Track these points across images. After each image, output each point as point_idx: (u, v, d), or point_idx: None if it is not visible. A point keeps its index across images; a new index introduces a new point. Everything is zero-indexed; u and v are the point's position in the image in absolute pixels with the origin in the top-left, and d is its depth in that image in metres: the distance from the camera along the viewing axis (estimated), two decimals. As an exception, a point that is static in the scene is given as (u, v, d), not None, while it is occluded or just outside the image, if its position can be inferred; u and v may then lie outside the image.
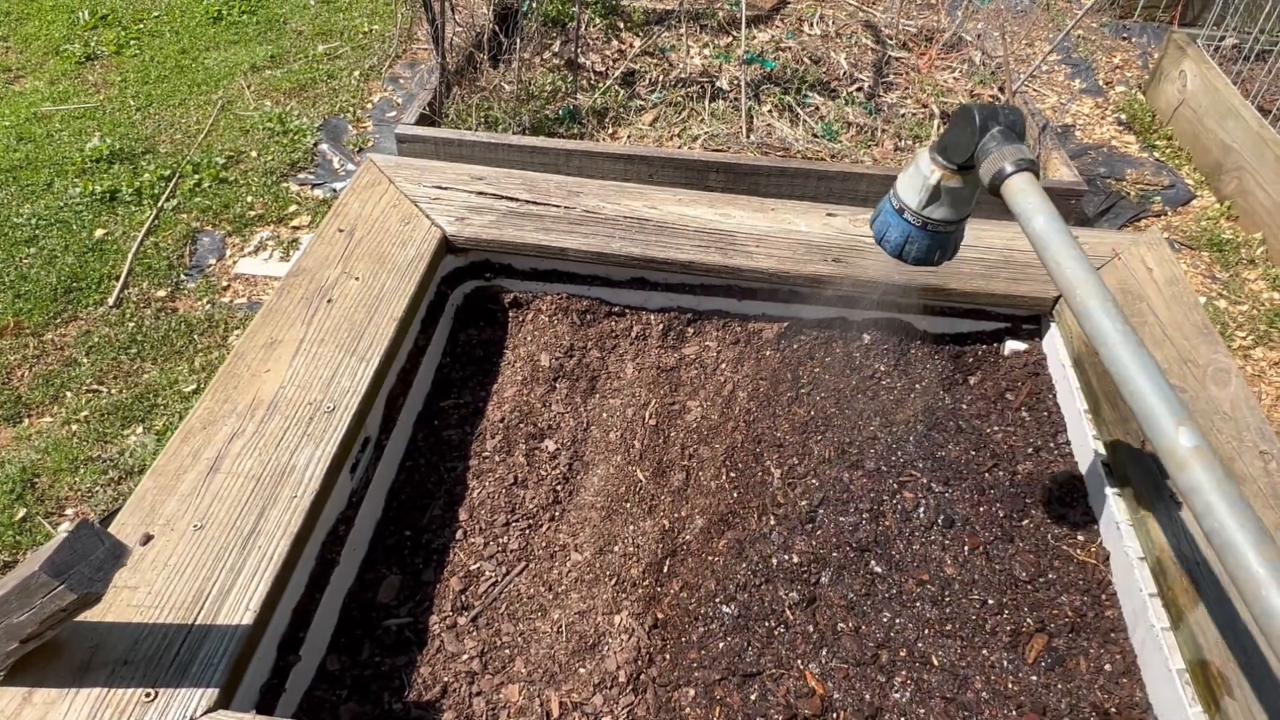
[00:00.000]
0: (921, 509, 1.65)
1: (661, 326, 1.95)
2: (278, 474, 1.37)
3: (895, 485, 1.69)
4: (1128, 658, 1.42)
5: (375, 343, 1.60)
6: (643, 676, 1.40)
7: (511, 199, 1.97)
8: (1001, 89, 3.71)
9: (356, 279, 1.73)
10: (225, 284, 3.09)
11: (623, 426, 1.78)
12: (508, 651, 1.44)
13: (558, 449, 1.74)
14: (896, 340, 1.95)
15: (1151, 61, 4.50)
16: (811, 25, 4.13)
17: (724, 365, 1.92)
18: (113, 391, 2.66)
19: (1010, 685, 1.41)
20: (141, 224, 3.28)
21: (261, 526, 1.29)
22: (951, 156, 1.22)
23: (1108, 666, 1.42)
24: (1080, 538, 1.58)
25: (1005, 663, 1.44)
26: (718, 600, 1.50)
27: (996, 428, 1.79)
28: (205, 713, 1.09)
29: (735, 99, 3.55)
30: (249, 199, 3.46)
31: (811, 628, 1.47)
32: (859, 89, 3.71)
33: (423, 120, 3.20)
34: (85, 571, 1.00)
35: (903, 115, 3.58)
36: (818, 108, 3.59)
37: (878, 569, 1.56)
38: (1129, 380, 0.95)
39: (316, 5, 4.93)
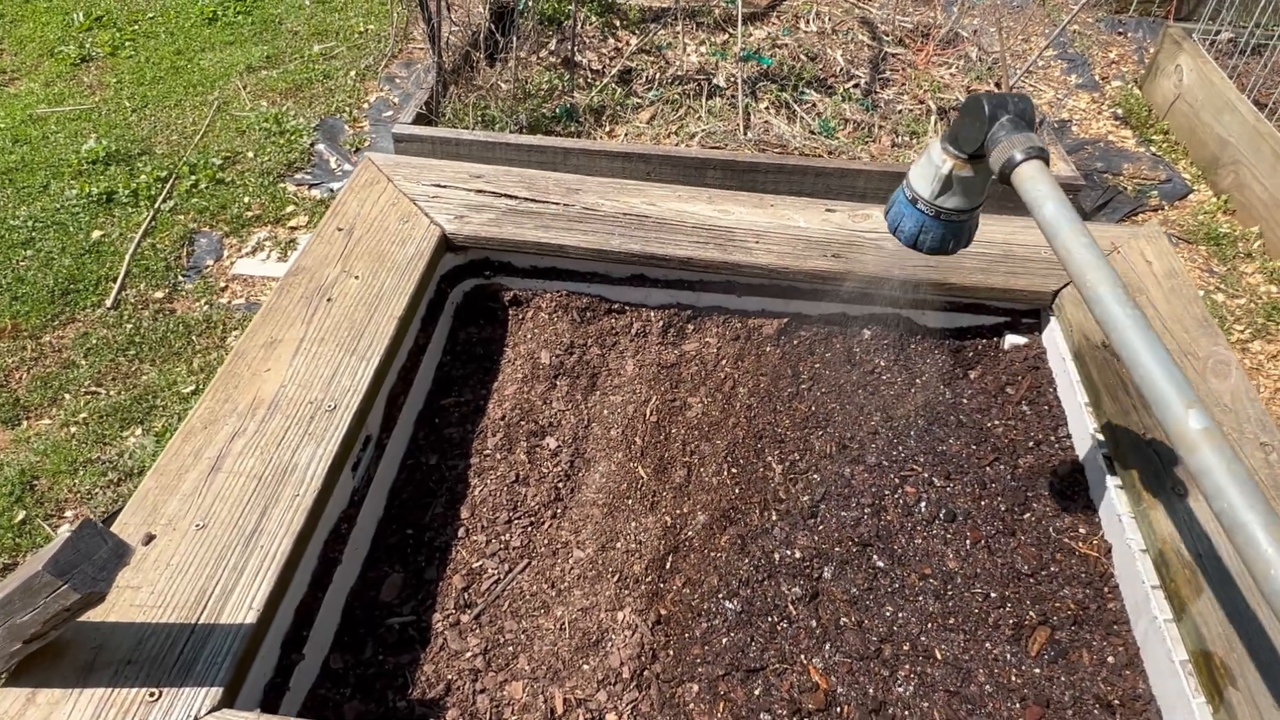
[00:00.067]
0: (923, 503, 1.66)
1: (661, 323, 1.95)
2: (279, 473, 1.36)
3: (897, 480, 1.69)
4: (1130, 650, 1.42)
5: (375, 341, 1.60)
6: (646, 672, 1.40)
7: (510, 196, 1.97)
8: (998, 84, 3.71)
9: (356, 278, 1.73)
10: (223, 285, 3.08)
11: (624, 423, 1.78)
12: (511, 649, 1.44)
13: (559, 446, 1.74)
14: (896, 335, 1.95)
15: (1147, 56, 4.50)
16: (808, 22, 4.13)
17: (724, 361, 1.92)
18: (111, 393, 2.65)
19: (1013, 678, 1.41)
20: (139, 225, 3.27)
21: (264, 526, 1.29)
22: (962, 146, 1.23)
23: (1110, 659, 1.42)
24: (1082, 530, 1.58)
25: (1008, 656, 1.44)
26: (720, 596, 1.50)
27: (997, 422, 1.79)
28: (209, 712, 1.09)
29: (732, 96, 3.55)
30: (246, 200, 3.45)
31: (814, 622, 1.48)
32: (856, 85, 3.71)
33: (419, 120, 3.20)
34: (89, 571, 1.00)
35: (900, 111, 3.58)
36: (815, 104, 3.59)
37: (880, 563, 1.57)
38: (1139, 364, 0.95)
39: (312, 5, 4.92)
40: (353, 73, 4.31)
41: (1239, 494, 0.84)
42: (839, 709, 1.37)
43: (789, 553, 1.57)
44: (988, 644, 1.46)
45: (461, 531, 1.59)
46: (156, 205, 3.37)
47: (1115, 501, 1.52)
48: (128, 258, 3.11)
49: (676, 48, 3.91)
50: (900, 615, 1.49)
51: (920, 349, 1.94)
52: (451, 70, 3.43)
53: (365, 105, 4.10)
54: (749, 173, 2.99)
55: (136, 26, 4.66)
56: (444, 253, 1.88)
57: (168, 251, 3.18)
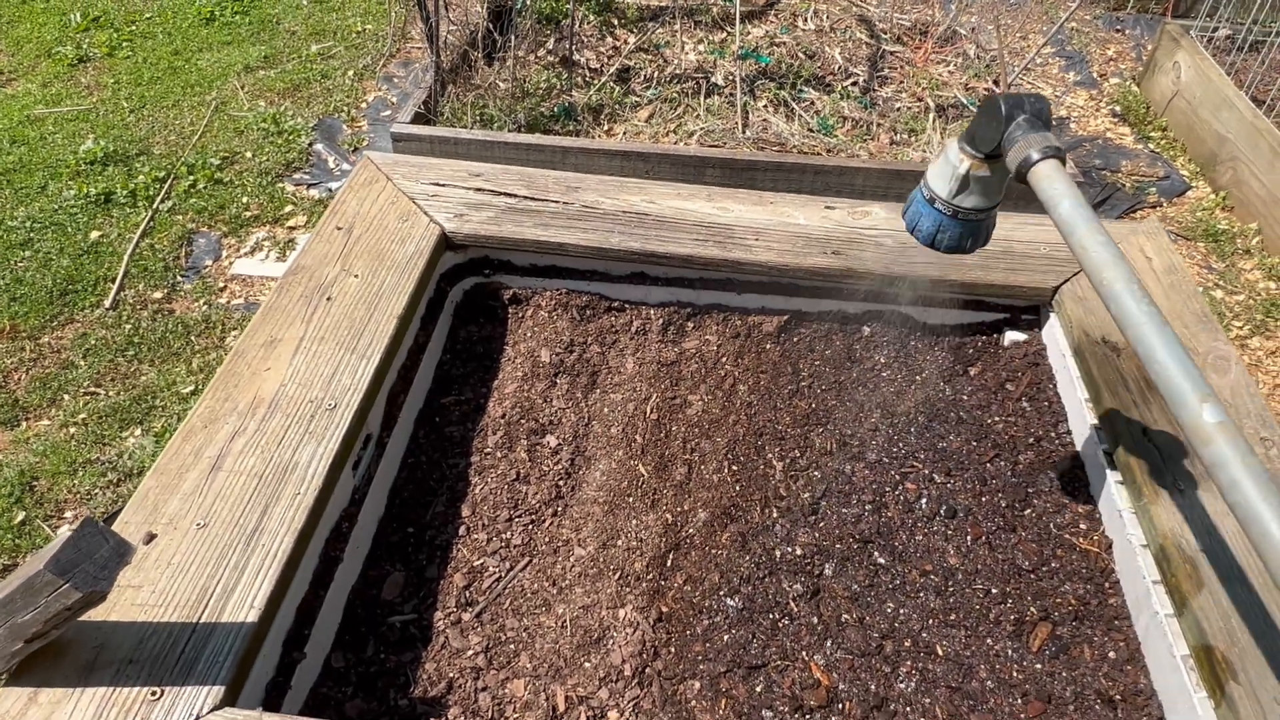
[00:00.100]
0: (924, 500, 1.66)
1: (661, 321, 1.95)
2: (280, 472, 1.36)
3: (897, 476, 1.70)
4: (1131, 645, 1.42)
5: (375, 340, 1.60)
6: (648, 670, 1.40)
7: (510, 195, 1.97)
8: (996, 82, 3.72)
9: (356, 276, 1.73)
10: (222, 285, 3.08)
11: (624, 421, 1.78)
12: (512, 647, 1.44)
13: (559, 444, 1.74)
14: (896, 332, 1.95)
15: (1145, 53, 4.50)
16: (805, 20, 4.13)
17: (724, 359, 1.91)
18: (110, 394, 2.65)
19: (1015, 674, 1.41)
20: (137, 226, 3.27)
21: (265, 524, 1.29)
22: (979, 146, 1.24)
23: (1112, 654, 1.42)
24: (1083, 526, 1.58)
25: (1009, 651, 1.44)
26: (722, 593, 1.50)
27: (997, 418, 1.79)
28: (211, 710, 1.09)
29: (730, 95, 3.55)
30: (244, 200, 3.45)
31: (816, 619, 1.48)
32: (854, 83, 3.71)
33: (418, 119, 3.20)
34: (90, 570, 1.00)
35: (898, 109, 3.58)
36: (813, 102, 3.59)
37: (881, 560, 1.57)
38: (1155, 360, 0.97)
39: (309, 5, 4.91)
40: (350, 72, 4.30)
41: (1254, 486, 0.85)
42: (841, 705, 1.37)
43: (790, 550, 1.57)
44: (989, 640, 1.46)
45: (462, 530, 1.59)
46: (155, 205, 3.37)
47: (1116, 497, 1.52)
48: (126, 258, 3.11)
49: (674, 46, 3.91)
50: (901, 612, 1.49)
51: (920, 346, 1.94)
52: (450, 69, 3.43)
53: (363, 105, 4.10)
54: (748, 171, 2.99)
55: (134, 27, 4.65)
56: (443, 251, 1.88)
57: (166, 252, 3.17)
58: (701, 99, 3.55)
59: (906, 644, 1.45)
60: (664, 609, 1.49)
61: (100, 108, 3.96)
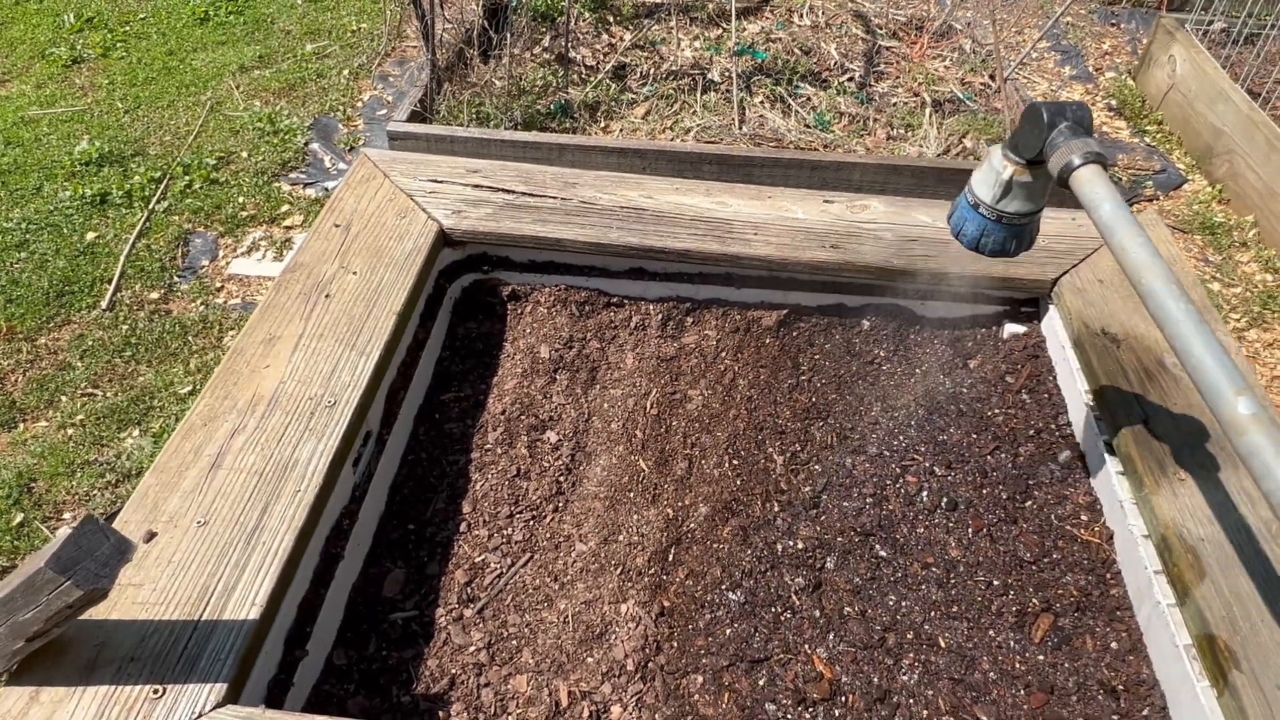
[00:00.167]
0: (925, 492, 1.66)
1: (661, 316, 1.95)
2: (280, 469, 1.36)
3: (898, 469, 1.70)
4: (1134, 635, 1.42)
5: (375, 337, 1.60)
6: (650, 664, 1.40)
7: (507, 191, 1.96)
8: (992, 76, 3.72)
9: (354, 273, 1.72)
10: (219, 285, 3.07)
11: (624, 416, 1.78)
12: (515, 642, 1.43)
13: (559, 440, 1.73)
14: (895, 325, 1.95)
15: (1140, 47, 4.51)
16: (801, 16, 4.13)
17: (724, 353, 1.91)
18: (108, 395, 2.64)
19: (1017, 665, 1.41)
20: (133, 226, 3.26)
21: (265, 522, 1.29)
22: (1022, 152, 1.28)
23: (1114, 644, 1.42)
24: (1084, 517, 1.59)
25: (1012, 643, 1.44)
26: (724, 587, 1.50)
27: (997, 410, 1.79)
28: (214, 708, 1.08)
29: (727, 91, 3.55)
30: (240, 199, 3.44)
31: (818, 612, 1.48)
32: (850, 79, 3.71)
33: (414, 117, 3.19)
34: (91, 567, 1.00)
35: (894, 104, 3.58)
36: (809, 98, 3.59)
37: (882, 553, 1.57)
38: (1191, 354, 1.01)
39: (304, 4, 4.90)
40: (346, 71, 4.29)
41: None
42: (844, 698, 1.37)
43: (791, 543, 1.57)
44: (991, 631, 1.46)
45: (463, 526, 1.58)
46: (151, 206, 3.36)
47: (1117, 488, 1.52)
48: (122, 259, 3.10)
49: (670, 43, 3.91)
50: (903, 604, 1.49)
51: (919, 339, 1.94)
52: (446, 67, 3.42)
53: (359, 104, 4.09)
54: (744, 167, 2.98)
55: (128, 27, 4.64)
56: (442, 248, 1.88)
57: (163, 252, 3.16)
58: (698, 95, 3.55)
59: (909, 636, 1.45)
60: (666, 603, 1.48)
61: (95, 109, 3.94)
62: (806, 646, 1.43)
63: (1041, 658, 1.42)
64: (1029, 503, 1.63)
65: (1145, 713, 1.33)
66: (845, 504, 1.64)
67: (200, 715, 1.07)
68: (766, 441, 1.75)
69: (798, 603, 1.49)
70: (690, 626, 1.45)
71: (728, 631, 1.44)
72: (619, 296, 1.97)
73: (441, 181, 1.97)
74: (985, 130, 3.31)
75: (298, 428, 1.42)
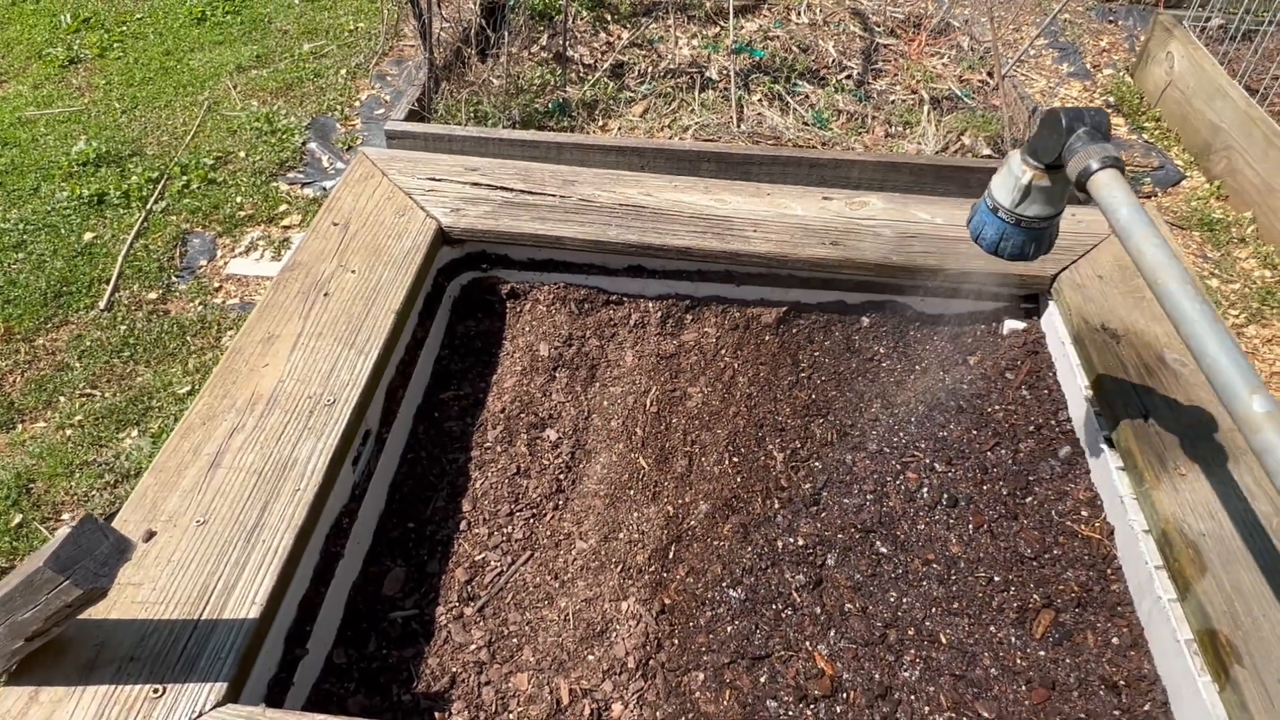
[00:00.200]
0: (925, 489, 1.66)
1: (660, 314, 1.94)
2: (280, 468, 1.36)
3: (898, 466, 1.69)
4: (1135, 630, 1.42)
5: (373, 335, 1.59)
6: (651, 662, 1.40)
7: (506, 189, 1.96)
8: (990, 74, 3.72)
9: (353, 272, 1.72)
10: (217, 285, 3.07)
11: (624, 414, 1.77)
12: (515, 640, 1.43)
13: (559, 438, 1.73)
14: (895, 322, 1.95)
15: (1138, 44, 4.51)
16: (799, 14, 4.13)
17: (724, 351, 1.91)
18: (106, 395, 2.63)
19: (1019, 661, 1.41)
20: (130, 227, 3.25)
21: (265, 521, 1.28)
22: (1041, 157, 1.30)
23: (1115, 640, 1.42)
24: (1084, 513, 1.58)
25: (1013, 639, 1.44)
26: (724, 584, 1.50)
27: (997, 406, 1.79)
28: (214, 707, 1.08)
29: (725, 89, 3.55)
30: (238, 199, 3.43)
31: (819, 609, 1.47)
32: (848, 76, 3.71)
33: (412, 116, 3.18)
34: (90, 566, 0.99)
35: (893, 102, 3.58)
36: (807, 96, 3.59)
37: (883, 549, 1.56)
38: (1207, 354, 1.03)
39: (301, 4, 4.90)
40: (343, 71, 4.29)
41: None
42: (845, 694, 1.37)
43: (792, 540, 1.57)
44: (992, 627, 1.46)
45: (463, 524, 1.58)
46: (148, 206, 3.35)
47: (1117, 483, 1.52)
48: (120, 259, 3.09)
49: (668, 41, 3.90)
50: (904, 600, 1.49)
51: (919, 335, 1.94)
52: (443, 66, 3.42)
53: (357, 103, 4.09)
54: (743, 165, 2.98)
55: (125, 28, 4.63)
56: (440, 246, 1.87)
57: (160, 252, 3.16)
58: (696, 94, 3.55)
59: (910, 633, 1.45)
60: (667, 601, 1.48)
61: (92, 109, 3.94)
62: (808, 643, 1.43)
63: (1043, 653, 1.42)
64: (1029, 498, 1.63)
65: (1147, 708, 1.33)
66: (845, 501, 1.64)
67: (200, 714, 1.07)
68: (766, 439, 1.74)
69: (798, 600, 1.48)
70: (691, 624, 1.45)
71: (729, 629, 1.44)
72: (618, 294, 1.97)
73: (440, 180, 1.97)
74: (983, 127, 3.31)
75: (297, 426, 1.42)
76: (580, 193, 1.95)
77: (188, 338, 2.83)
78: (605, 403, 1.81)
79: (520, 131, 3.08)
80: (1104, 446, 1.58)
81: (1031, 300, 1.92)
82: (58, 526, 2.29)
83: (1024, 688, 1.38)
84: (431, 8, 3.20)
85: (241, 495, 1.31)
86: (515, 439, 1.71)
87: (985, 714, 1.34)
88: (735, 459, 1.70)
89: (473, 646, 1.41)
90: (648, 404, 1.79)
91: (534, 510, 1.61)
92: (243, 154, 3.68)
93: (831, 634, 1.44)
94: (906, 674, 1.40)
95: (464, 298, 1.96)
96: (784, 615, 1.46)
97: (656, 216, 1.90)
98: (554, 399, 1.80)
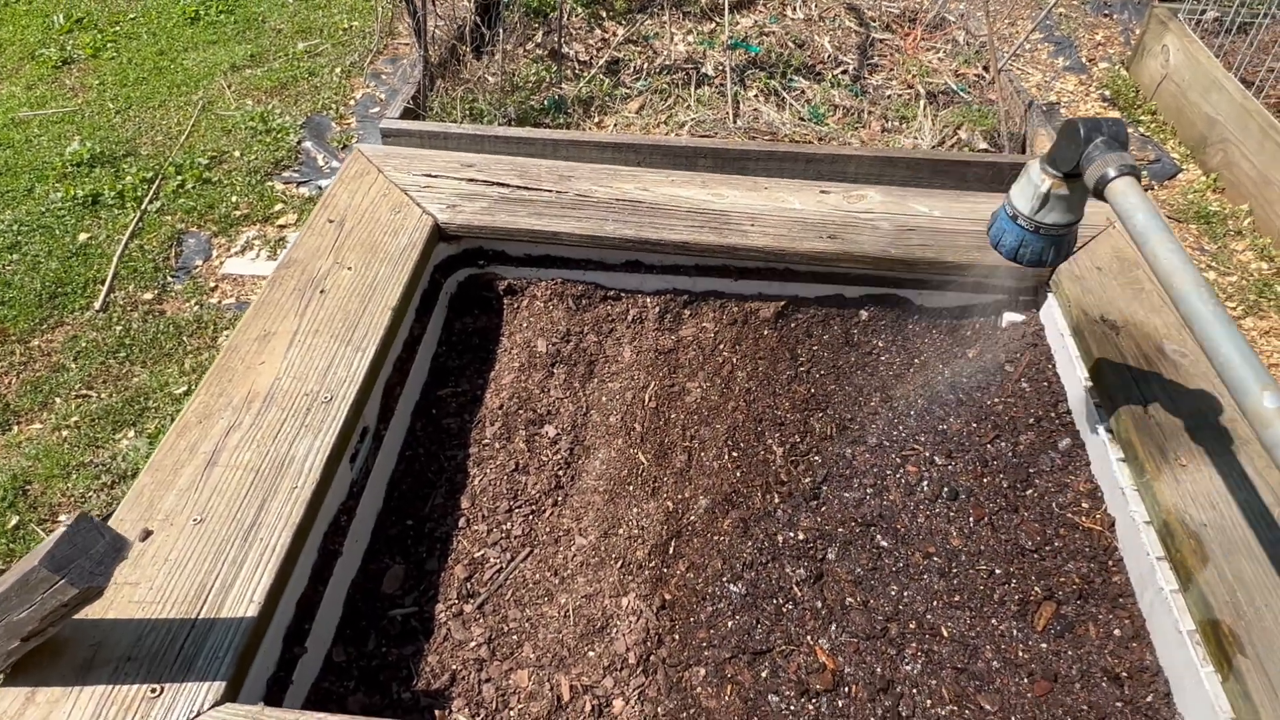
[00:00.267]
0: (925, 482, 1.65)
1: (658, 309, 1.94)
2: (277, 465, 1.35)
3: (898, 459, 1.69)
4: (1136, 622, 1.42)
5: (370, 332, 1.59)
6: (652, 657, 1.39)
7: (502, 185, 1.95)
8: (986, 68, 3.71)
9: (349, 269, 1.71)
10: (213, 285, 3.06)
11: (623, 410, 1.77)
12: (515, 637, 1.42)
13: (558, 434, 1.72)
14: (894, 315, 1.95)
15: (1133, 37, 4.51)
16: (794, 9, 4.12)
17: (722, 346, 1.90)
18: (102, 396, 2.62)
19: (1020, 653, 1.41)
20: (125, 227, 3.24)
21: (262, 519, 1.28)
22: (1059, 166, 1.33)
23: (1117, 631, 1.42)
24: (1085, 505, 1.58)
25: (1015, 631, 1.43)
26: (725, 579, 1.50)
27: (997, 399, 1.78)
28: (212, 706, 1.07)
29: (720, 85, 3.54)
30: (234, 199, 3.42)
31: (820, 603, 1.47)
32: (844, 71, 3.71)
33: (407, 114, 3.17)
34: (86, 565, 0.99)
35: (889, 97, 3.57)
36: (803, 91, 3.58)
37: (884, 543, 1.56)
38: (1219, 352, 1.07)
39: (295, 3, 4.88)
40: (338, 69, 4.28)
41: None
42: (847, 689, 1.36)
43: (792, 535, 1.56)
44: (994, 620, 1.45)
45: (462, 521, 1.57)
46: (143, 206, 3.34)
47: (1118, 475, 1.52)
48: (115, 260, 3.08)
49: (663, 37, 3.90)
50: (905, 594, 1.49)
51: (918, 328, 1.94)
52: (438, 64, 3.41)
53: (351, 102, 4.08)
54: (739, 160, 2.97)
55: (118, 28, 4.61)
56: (437, 242, 1.87)
57: (156, 253, 3.15)
58: (692, 90, 3.54)
59: (911, 626, 1.44)
60: (667, 596, 1.48)
61: (86, 109, 3.92)
62: (809, 638, 1.42)
63: (1044, 646, 1.42)
64: (1030, 491, 1.63)
65: (1149, 699, 1.33)
66: (845, 494, 1.63)
67: (198, 714, 1.06)
68: (766, 433, 1.74)
69: (799, 594, 1.48)
70: (692, 619, 1.45)
71: (729, 624, 1.43)
72: (616, 290, 1.96)
73: (436, 176, 1.96)
74: (980, 122, 3.30)
75: (294, 424, 1.41)
76: (577, 188, 1.95)
77: (184, 338, 2.82)
78: (604, 398, 1.80)
79: (516, 129, 3.07)
80: (1104, 438, 1.58)
81: (1030, 292, 1.92)
82: (54, 528, 2.28)
83: (1026, 680, 1.37)
84: (426, 5, 3.19)
85: (239, 493, 1.30)
86: (514, 435, 1.70)
87: (988, 707, 1.34)
88: (734, 454, 1.70)
89: (473, 644, 1.40)
90: (646, 399, 1.79)
91: (533, 506, 1.60)
92: (237, 153, 3.67)
93: (833, 628, 1.44)
94: (908, 667, 1.39)
95: (461, 294, 1.95)
96: (785, 610, 1.46)
97: (654, 211, 1.90)
98: (552, 395, 1.79)
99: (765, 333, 1.92)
